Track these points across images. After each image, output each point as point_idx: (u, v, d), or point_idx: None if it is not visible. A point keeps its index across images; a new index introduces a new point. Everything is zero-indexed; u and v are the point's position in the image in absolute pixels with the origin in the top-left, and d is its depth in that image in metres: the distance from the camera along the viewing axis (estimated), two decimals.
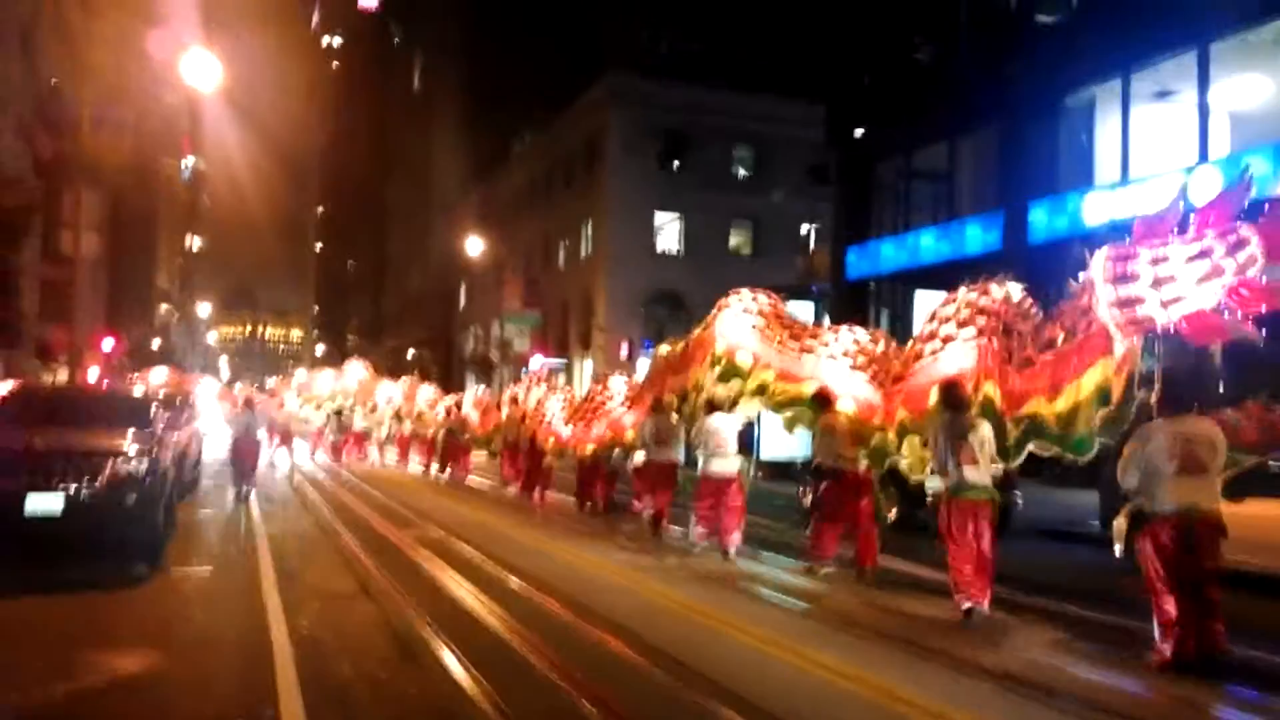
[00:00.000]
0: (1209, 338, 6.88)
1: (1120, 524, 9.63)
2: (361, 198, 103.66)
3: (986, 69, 24.27)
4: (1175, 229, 6.80)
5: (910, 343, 9.99)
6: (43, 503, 9.28)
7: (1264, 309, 6.40)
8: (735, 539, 11.33)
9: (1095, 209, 20.62)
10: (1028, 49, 23.01)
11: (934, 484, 10.77)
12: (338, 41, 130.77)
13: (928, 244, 25.72)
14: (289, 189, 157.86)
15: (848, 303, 27.33)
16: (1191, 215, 6.73)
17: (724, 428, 11.61)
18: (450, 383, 63.80)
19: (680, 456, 13.48)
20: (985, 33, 24.77)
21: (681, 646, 6.96)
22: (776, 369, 11.25)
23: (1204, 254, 6.56)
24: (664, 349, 14.16)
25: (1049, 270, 21.95)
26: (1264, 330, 6.53)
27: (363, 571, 9.96)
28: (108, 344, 36.01)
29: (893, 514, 13.54)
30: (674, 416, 13.12)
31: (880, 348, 10.48)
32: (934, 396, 9.01)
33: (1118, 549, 9.00)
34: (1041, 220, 22.17)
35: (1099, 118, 22.12)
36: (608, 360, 39.85)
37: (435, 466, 24.08)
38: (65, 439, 9.97)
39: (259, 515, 14.67)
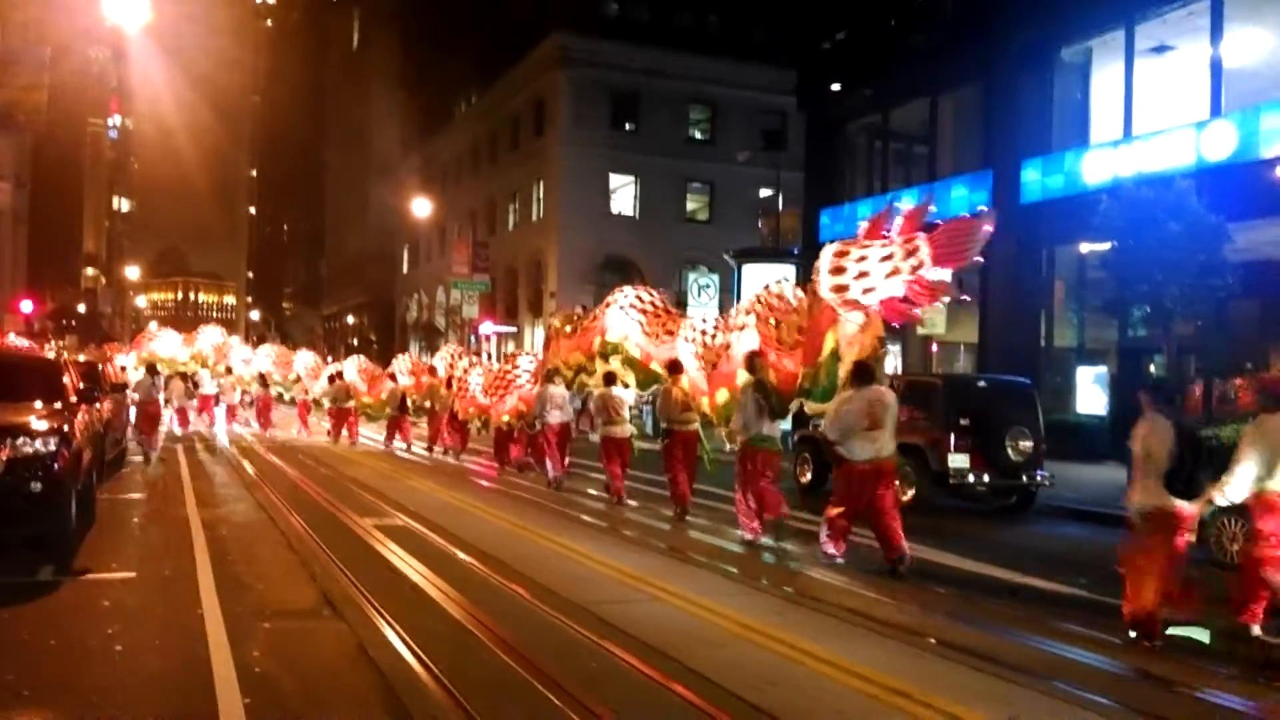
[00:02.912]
0: (898, 319, 8.89)
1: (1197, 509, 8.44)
2: (298, 160, 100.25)
3: (971, 23, 23.02)
4: (886, 232, 8.60)
5: (722, 325, 12.02)
6: None
7: (930, 301, 8.60)
8: (620, 488, 13.35)
9: (1095, 167, 19.50)
10: (1018, 1, 21.76)
11: (959, 463, 12.99)
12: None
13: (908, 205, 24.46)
14: (222, 151, 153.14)
15: None
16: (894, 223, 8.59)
17: (619, 399, 13.71)
18: (391, 349, 61.78)
19: (571, 420, 15.72)
20: None
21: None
22: (656, 358, 13.15)
23: (889, 257, 8.46)
24: (556, 322, 16.50)
25: (1043, 230, 21.03)
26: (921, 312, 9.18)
27: (319, 569, 8.38)
28: (26, 306, 33.60)
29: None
30: (563, 387, 15.32)
31: (717, 338, 11.99)
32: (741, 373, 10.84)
33: (1190, 536, 8.34)
34: (1034, 180, 21.01)
35: (1095, 72, 21.00)
36: None
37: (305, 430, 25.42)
38: None
39: (192, 496, 12.95)
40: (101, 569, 8.13)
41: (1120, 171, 18.45)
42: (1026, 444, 13.06)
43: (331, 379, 24.68)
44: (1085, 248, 20.44)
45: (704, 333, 12.21)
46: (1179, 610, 6.76)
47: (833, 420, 9.14)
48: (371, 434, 24.59)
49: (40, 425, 8.20)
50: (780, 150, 37.64)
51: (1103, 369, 20.85)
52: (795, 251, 25.70)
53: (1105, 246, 16.62)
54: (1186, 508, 6.77)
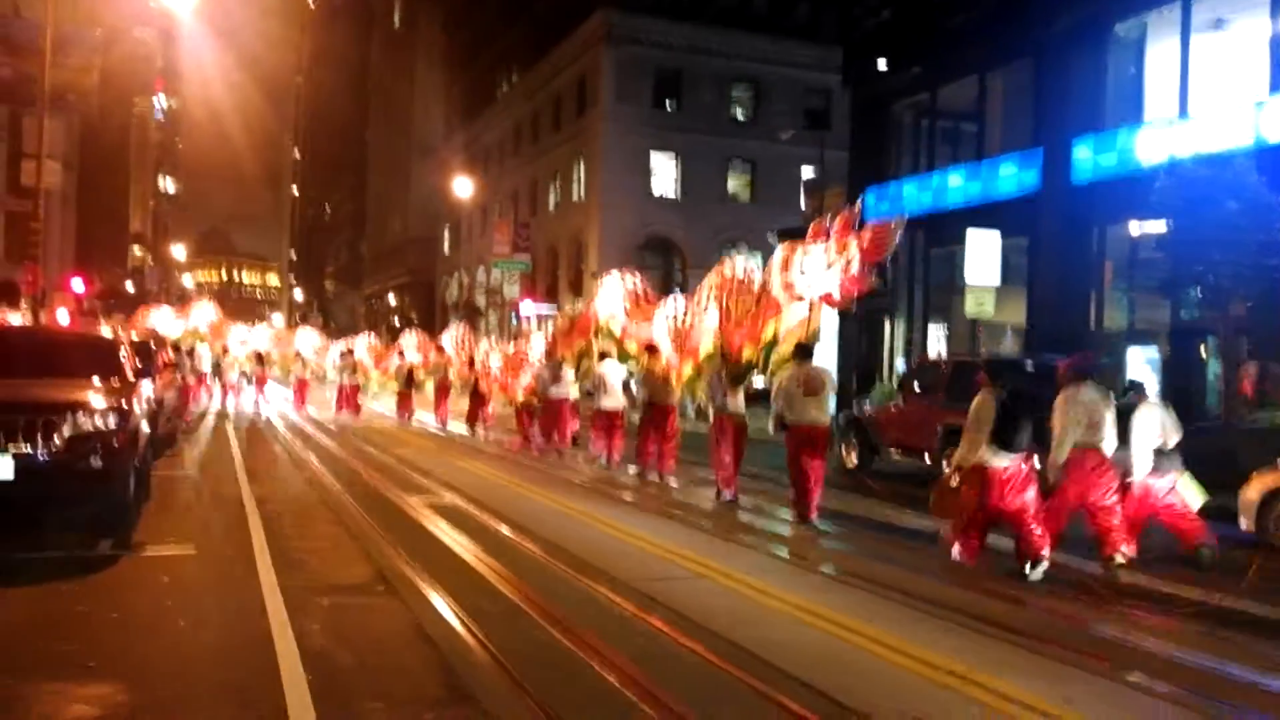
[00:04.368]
0: (835, 305, 10.95)
1: (1250, 496, 8.74)
2: (341, 141, 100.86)
3: None
4: (826, 234, 10.56)
5: (689, 311, 13.54)
6: None
7: (858, 291, 10.44)
8: (616, 458, 15.00)
9: (1150, 145, 19.08)
10: None
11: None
12: None
13: (956, 184, 24.12)
14: (266, 131, 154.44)
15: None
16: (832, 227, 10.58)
17: (610, 374, 15.15)
18: (432, 329, 62.11)
19: (572, 396, 17.10)
20: None
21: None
22: (634, 336, 14.84)
23: (827, 255, 10.49)
24: (561, 321, 19.01)
25: (1095, 209, 20.67)
26: (857, 300, 11.07)
27: (371, 545, 8.47)
28: (77, 285, 34.13)
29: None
30: (564, 367, 16.86)
31: (685, 321, 13.49)
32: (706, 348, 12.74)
33: (1243, 522, 8.61)
34: (1086, 158, 20.60)
35: (1149, 48, 20.53)
36: None
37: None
38: (17, 390, 8.36)
39: (243, 472, 13.15)
40: (160, 544, 8.28)
41: (1176, 150, 18.04)
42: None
43: (343, 355, 26.32)
44: (1137, 227, 20.07)
45: (673, 316, 13.87)
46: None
47: (777, 391, 10.87)
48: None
49: (99, 403, 8.35)
50: (824, 129, 37.27)
51: (1154, 351, 20.50)
52: None
53: (1159, 226, 16.31)
54: (1002, 463, 8.27)
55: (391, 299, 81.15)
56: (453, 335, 24.33)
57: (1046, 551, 8.14)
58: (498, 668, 5.27)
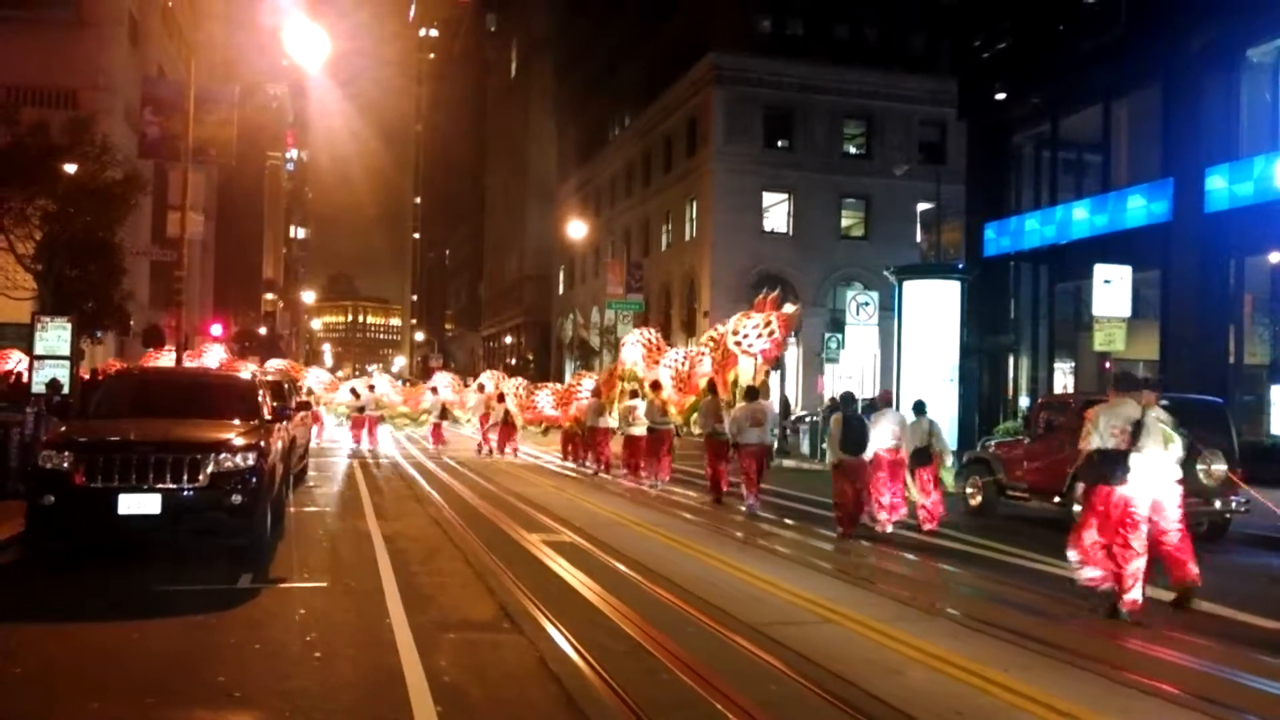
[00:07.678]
0: (768, 362, 16.85)
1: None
2: (459, 186, 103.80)
3: (1148, 25, 21.94)
4: (763, 311, 17.18)
5: (689, 357, 19.13)
6: (137, 502, 8.14)
7: (779, 353, 17.20)
8: (644, 474, 18.32)
9: None
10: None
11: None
12: (434, 32, 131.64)
13: (1080, 217, 23.44)
14: (388, 179, 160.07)
15: (986, 281, 25.20)
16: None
17: (637, 407, 18.83)
18: (548, 368, 63.10)
19: (613, 425, 20.53)
20: None
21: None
22: (647, 379, 19.31)
23: (757, 327, 16.85)
24: (602, 370, 22.31)
25: (1231, 240, 19.84)
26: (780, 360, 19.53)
27: (496, 586, 8.61)
28: (216, 330, 35.79)
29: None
30: (605, 406, 20.94)
31: (684, 366, 18.77)
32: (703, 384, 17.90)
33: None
34: (1220, 188, 19.80)
35: None
36: None
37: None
38: (164, 430, 8.84)
39: (370, 509, 13.52)
40: (295, 578, 8.57)
41: None
42: (1219, 468, 12.24)
43: (354, 392, 28.42)
44: (1278, 258, 19.18)
45: (677, 360, 18.59)
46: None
47: (732, 421, 14.92)
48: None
49: (240, 442, 8.74)
50: (940, 163, 36.72)
51: None
52: (960, 267, 24.88)
53: None
54: (863, 458, 12.30)
55: (508, 339, 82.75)
56: (491, 376, 28.98)
57: (871, 511, 12.36)
58: (624, 706, 5.29)
